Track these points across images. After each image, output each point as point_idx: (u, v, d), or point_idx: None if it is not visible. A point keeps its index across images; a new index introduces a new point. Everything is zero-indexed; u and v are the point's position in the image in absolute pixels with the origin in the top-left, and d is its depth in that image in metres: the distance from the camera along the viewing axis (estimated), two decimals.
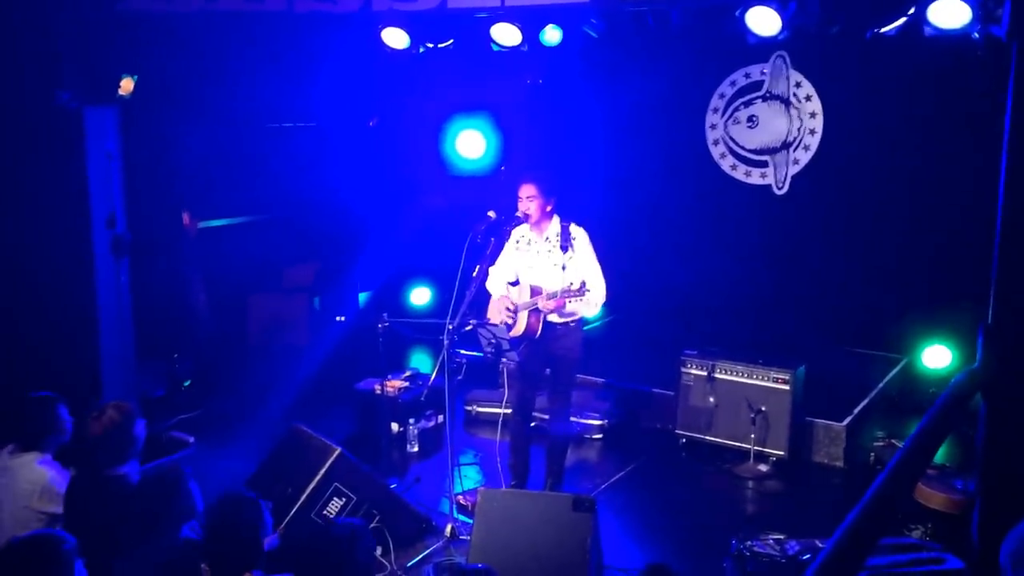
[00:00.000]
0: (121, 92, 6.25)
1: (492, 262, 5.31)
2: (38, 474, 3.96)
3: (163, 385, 7.10)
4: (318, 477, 4.62)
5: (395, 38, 6.78)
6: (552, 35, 6.71)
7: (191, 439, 6.39)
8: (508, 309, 5.18)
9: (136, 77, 6.35)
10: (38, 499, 3.92)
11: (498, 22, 6.37)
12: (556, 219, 5.25)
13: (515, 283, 5.25)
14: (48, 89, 5.67)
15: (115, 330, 5.78)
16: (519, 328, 5.15)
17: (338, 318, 5.75)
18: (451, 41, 6.86)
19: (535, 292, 5.10)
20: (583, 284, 4.88)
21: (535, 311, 5.09)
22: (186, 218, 7.67)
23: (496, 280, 5.34)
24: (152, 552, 3.34)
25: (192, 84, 7.38)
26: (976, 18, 5.22)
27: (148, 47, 6.85)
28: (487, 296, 5.41)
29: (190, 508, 3.45)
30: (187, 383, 7.37)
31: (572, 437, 5.53)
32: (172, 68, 7.18)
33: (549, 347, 5.22)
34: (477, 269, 5.19)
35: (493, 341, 5.02)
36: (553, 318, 5.14)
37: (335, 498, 4.64)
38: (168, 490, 3.41)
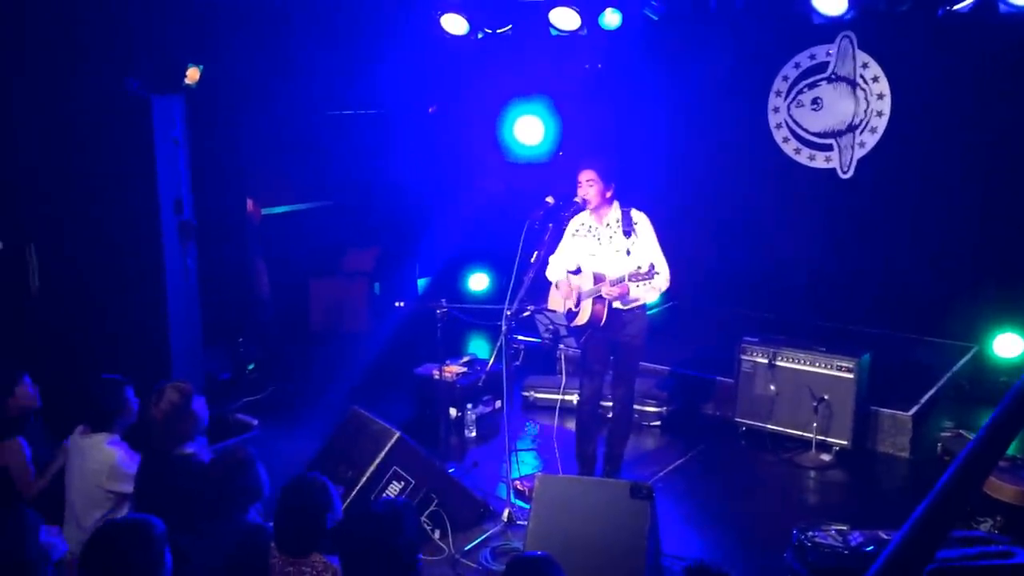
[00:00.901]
0: (187, 81, 6.38)
1: (550, 248, 5.28)
2: (107, 454, 4.08)
3: (229, 368, 7.26)
4: (377, 460, 4.68)
5: (454, 23, 6.82)
6: (611, 19, 6.66)
7: (255, 421, 6.55)
8: (574, 297, 5.14)
9: (202, 66, 6.47)
10: (107, 478, 4.04)
11: (557, 6, 6.35)
12: (616, 205, 5.19)
13: (576, 272, 5.21)
14: (118, 77, 5.82)
15: (183, 314, 5.92)
16: (583, 316, 5.11)
17: (397, 303, 5.79)
18: (510, 26, 6.86)
19: (599, 279, 5.05)
20: (652, 266, 4.80)
21: (599, 298, 5.04)
22: (250, 204, 7.81)
23: (556, 268, 5.30)
24: (221, 533, 3.42)
25: (257, 72, 7.51)
26: None
27: (214, 36, 6.98)
28: (546, 283, 5.40)
29: (258, 489, 3.52)
30: (251, 366, 7.52)
31: (632, 425, 5.49)
32: (237, 56, 7.32)
33: (614, 335, 5.18)
34: (535, 255, 5.18)
35: (551, 327, 5.02)
36: (618, 305, 5.09)
37: (394, 481, 4.69)
38: (236, 471, 3.48)
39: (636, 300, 5.12)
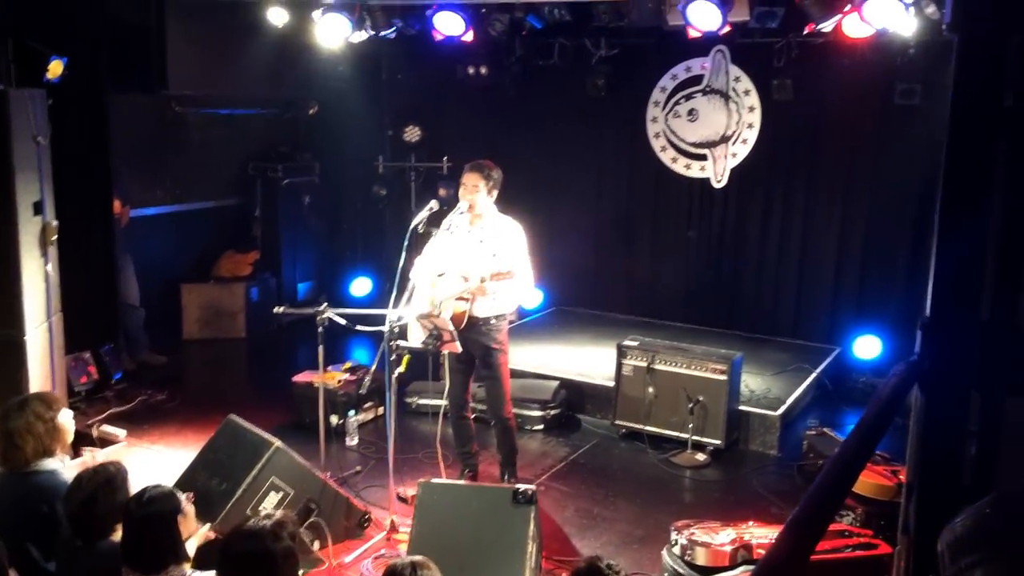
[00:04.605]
0: (49, 75, 6.04)
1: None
2: None
3: (93, 378, 6.89)
4: (255, 471, 4.52)
5: (338, 24, 6.70)
6: (495, 25, 6.70)
7: (122, 434, 6.24)
8: (434, 300, 5.13)
9: (66, 60, 6.14)
10: None
11: (441, 11, 6.34)
12: (494, 209, 5.24)
13: (441, 275, 5.19)
14: None
15: (41, 321, 5.59)
16: (445, 319, 5.10)
17: (276, 309, 5.64)
18: (394, 29, 6.80)
19: (463, 280, 5.07)
20: (511, 268, 4.91)
21: (463, 300, 5.07)
22: (117, 206, 7.45)
23: (423, 271, 5.26)
24: (87, 554, 3.22)
25: (127, 67, 7.18)
26: (908, 16, 5.37)
27: (79, 26, 6.64)
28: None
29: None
30: (118, 376, 7.17)
31: (513, 428, 5.51)
32: (105, 50, 6.99)
33: (477, 339, 5.20)
34: (416, 260, 5.16)
35: (434, 332, 4.98)
36: (479, 311, 5.12)
37: (272, 492, 4.55)
38: (104, 489, 3.25)
39: (502, 303, 5.17)
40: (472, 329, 5.15)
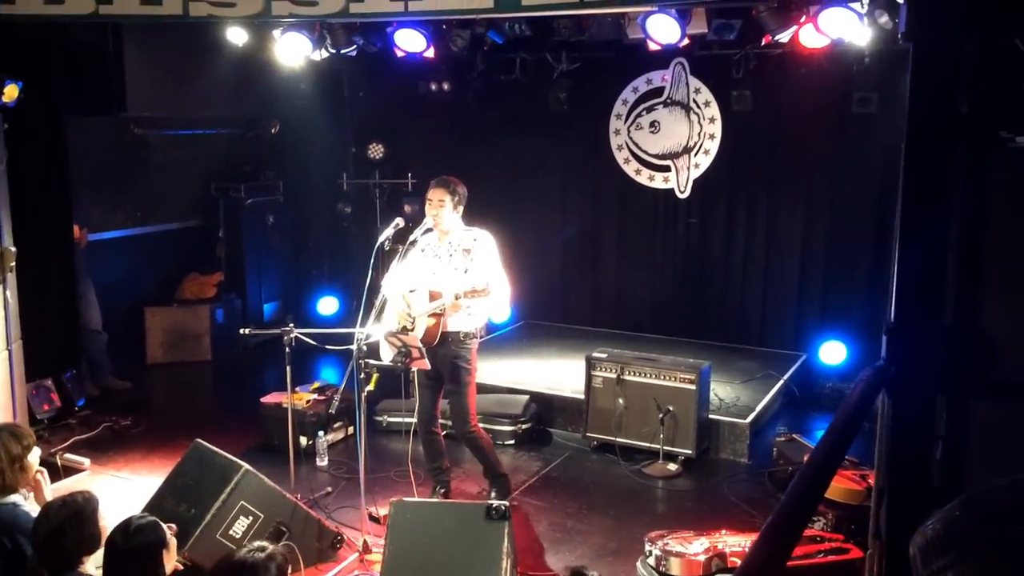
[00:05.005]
0: (5, 99, 5.95)
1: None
2: None
3: (55, 405, 6.76)
4: (223, 496, 4.46)
5: (298, 43, 6.67)
6: (457, 41, 6.71)
7: (86, 462, 6.13)
8: (408, 316, 5.11)
9: (21, 83, 6.05)
10: None
11: (402, 27, 6.33)
12: (461, 224, 5.24)
13: (413, 291, 5.18)
14: None
15: (1, 349, 5.48)
16: (418, 335, 5.08)
17: (242, 330, 5.59)
18: (354, 46, 6.78)
19: (435, 297, 5.06)
20: (486, 285, 4.88)
21: (435, 316, 5.05)
22: (77, 230, 7.33)
23: (393, 286, 5.24)
24: None
25: (85, 90, 7.10)
26: (863, 26, 5.47)
27: (37, 52, 6.55)
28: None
29: (96, 540, 3.23)
30: (81, 402, 7.04)
31: (479, 438, 5.46)
32: (62, 74, 6.89)
33: (446, 354, 5.19)
34: (385, 277, 5.13)
35: (403, 349, 4.95)
36: (452, 325, 5.11)
37: (242, 517, 4.48)
38: (72, 521, 3.17)
39: (474, 320, 5.16)
40: (442, 345, 5.14)
